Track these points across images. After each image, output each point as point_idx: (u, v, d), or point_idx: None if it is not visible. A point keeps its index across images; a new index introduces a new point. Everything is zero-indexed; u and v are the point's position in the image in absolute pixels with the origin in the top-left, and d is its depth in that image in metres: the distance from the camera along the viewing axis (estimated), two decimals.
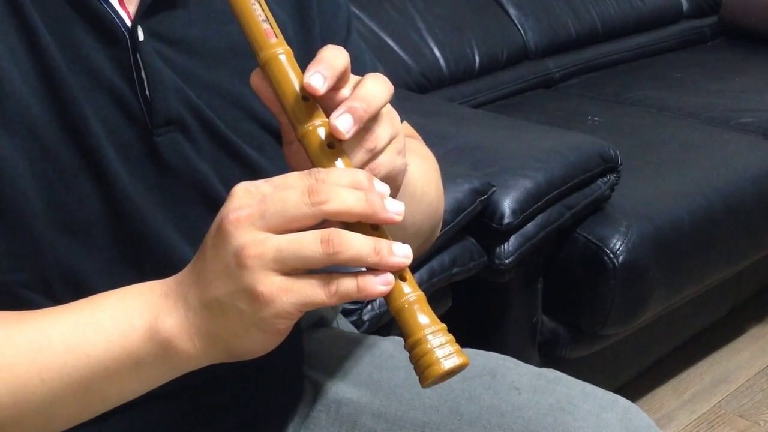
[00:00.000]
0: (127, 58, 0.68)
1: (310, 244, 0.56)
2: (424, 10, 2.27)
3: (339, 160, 0.60)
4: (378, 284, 0.57)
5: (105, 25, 0.67)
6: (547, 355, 1.77)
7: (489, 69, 2.33)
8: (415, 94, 2.10)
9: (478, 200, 1.49)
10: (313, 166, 0.60)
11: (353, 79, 0.63)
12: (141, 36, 0.68)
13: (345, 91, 0.62)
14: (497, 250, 1.55)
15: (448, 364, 0.58)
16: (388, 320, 1.42)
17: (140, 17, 0.68)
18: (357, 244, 0.56)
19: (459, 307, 1.61)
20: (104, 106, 0.67)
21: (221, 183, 0.72)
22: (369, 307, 1.39)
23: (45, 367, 0.62)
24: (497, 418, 0.80)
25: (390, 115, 0.63)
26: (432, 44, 2.24)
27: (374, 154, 0.62)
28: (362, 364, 0.89)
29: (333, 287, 0.56)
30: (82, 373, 0.62)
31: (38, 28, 0.65)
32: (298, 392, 0.89)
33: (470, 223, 1.51)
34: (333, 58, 0.60)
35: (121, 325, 0.62)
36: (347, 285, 0.57)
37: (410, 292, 0.59)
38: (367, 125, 0.60)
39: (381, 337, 0.93)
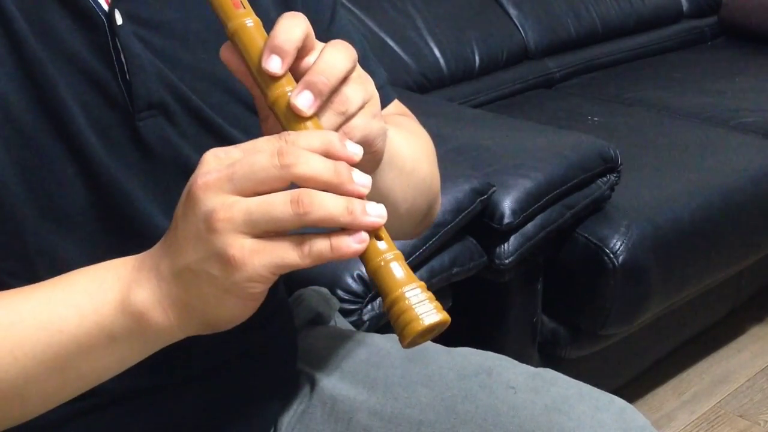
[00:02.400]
0: (105, 42, 0.67)
1: (280, 204, 0.55)
2: (424, 10, 2.27)
3: (310, 123, 0.59)
4: (352, 243, 0.56)
5: (81, 9, 0.67)
6: (547, 355, 1.77)
7: (489, 69, 2.33)
8: (415, 94, 2.10)
9: (478, 200, 1.49)
10: None
11: (320, 46, 0.62)
12: (119, 20, 0.67)
13: (311, 59, 0.61)
14: (497, 250, 1.54)
15: (428, 321, 0.56)
16: (387, 320, 1.42)
17: (117, 1, 0.68)
18: (328, 204, 0.55)
19: (459, 307, 1.61)
20: (84, 91, 0.67)
21: None
22: (369, 307, 1.39)
23: (17, 344, 0.61)
24: (493, 417, 0.80)
25: (362, 78, 0.63)
26: (432, 44, 2.24)
27: (346, 117, 0.61)
28: (358, 362, 0.89)
29: (306, 248, 0.55)
30: (56, 350, 0.61)
31: (14, 15, 0.64)
32: (294, 388, 0.89)
33: (470, 223, 1.51)
34: (288, 31, 0.59)
35: (93, 300, 0.61)
36: (320, 245, 0.56)
37: (386, 249, 0.58)
38: (335, 88, 0.60)
39: (378, 335, 0.93)
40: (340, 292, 1.34)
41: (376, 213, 0.57)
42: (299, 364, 0.91)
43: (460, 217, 1.47)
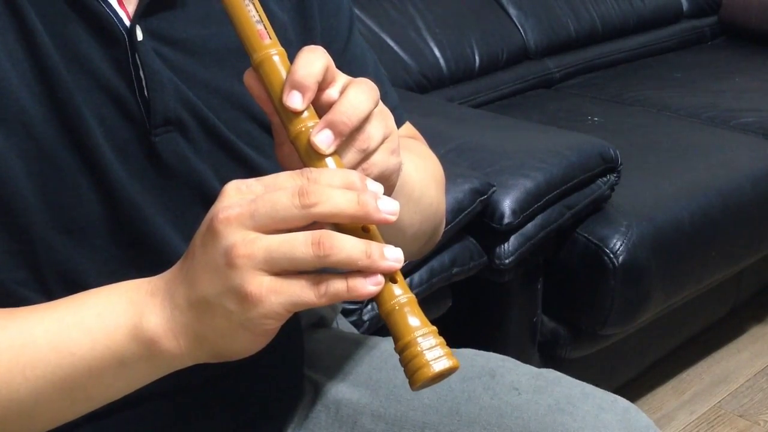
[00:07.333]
0: (125, 57, 0.68)
1: (300, 245, 0.55)
2: (424, 10, 2.27)
3: (331, 160, 0.60)
4: (368, 285, 0.57)
5: (103, 24, 0.67)
6: (547, 355, 1.77)
7: (489, 69, 2.33)
8: (415, 94, 2.10)
9: (478, 200, 1.49)
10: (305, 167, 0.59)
11: (342, 78, 0.62)
12: (140, 36, 0.68)
13: (332, 92, 0.61)
14: (497, 250, 1.55)
15: (437, 367, 0.57)
16: None
17: (139, 17, 0.68)
18: (348, 247, 0.55)
19: (459, 307, 1.61)
20: (102, 105, 0.67)
21: (220, 183, 0.71)
22: (369, 307, 1.39)
23: (29, 365, 0.61)
24: (496, 418, 0.80)
25: (383, 114, 0.63)
26: (432, 44, 2.24)
27: (367, 154, 0.61)
28: (362, 365, 0.89)
29: (322, 288, 0.56)
30: (67, 372, 0.61)
31: (36, 27, 0.65)
32: (298, 393, 0.89)
33: (470, 223, 1.51)
34: (308, 66, 0.60)
35: (105, 324, 0.61)
36: (337, 286, 0.56)
37: (401, 294, 0.58)
38: (358, 125, 0.60)
39: (381, 338, 0.93)
40: None
41: (393, 257, 0.57)
42: (303, 368, 0.91)
43: (460, 217, 1.47)
